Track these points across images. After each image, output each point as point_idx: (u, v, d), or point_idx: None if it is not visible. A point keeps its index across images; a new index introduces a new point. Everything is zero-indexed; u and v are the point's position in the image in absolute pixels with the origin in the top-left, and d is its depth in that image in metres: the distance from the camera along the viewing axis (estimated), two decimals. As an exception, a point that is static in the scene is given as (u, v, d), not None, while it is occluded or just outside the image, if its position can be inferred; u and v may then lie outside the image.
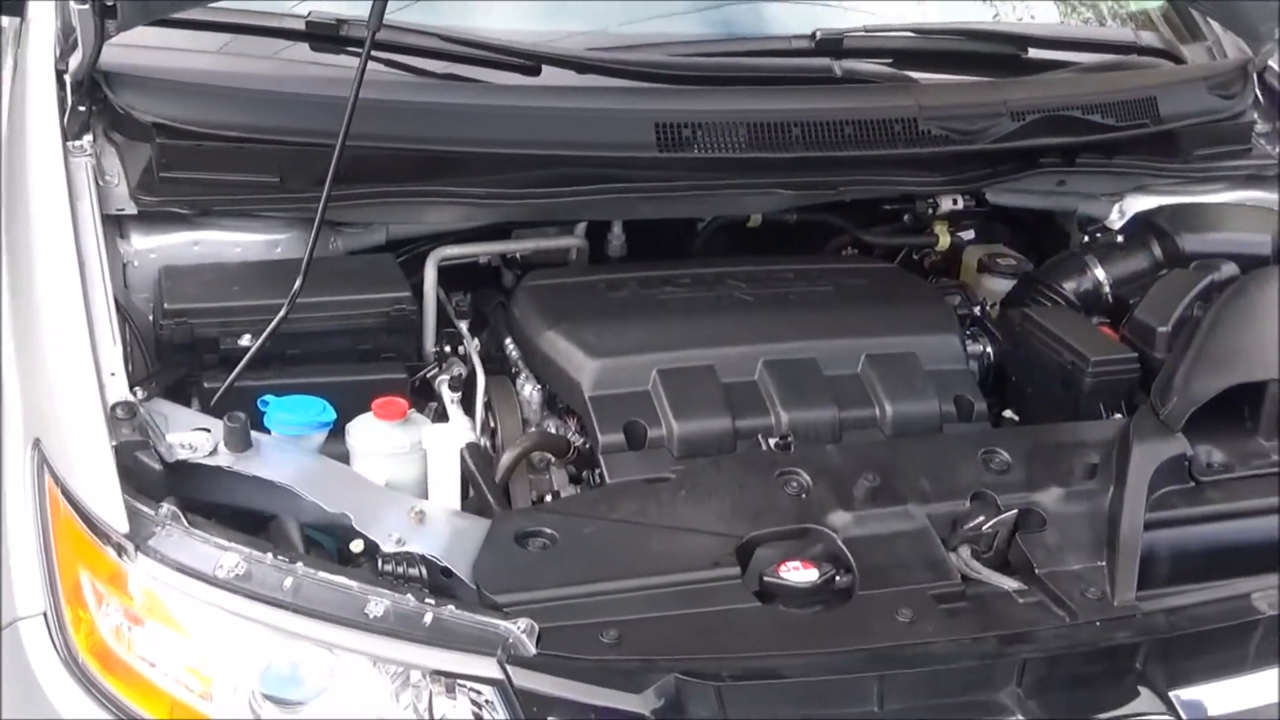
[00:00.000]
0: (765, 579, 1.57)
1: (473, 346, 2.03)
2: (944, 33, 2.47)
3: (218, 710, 1.49)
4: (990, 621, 1.57)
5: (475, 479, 1.76)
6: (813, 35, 2.33)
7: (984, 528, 1.67)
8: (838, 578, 1.59)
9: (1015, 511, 1.68)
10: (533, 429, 1.96)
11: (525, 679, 1.43)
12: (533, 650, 1.44)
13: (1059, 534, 1.68)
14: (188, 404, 1.79)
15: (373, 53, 1.86)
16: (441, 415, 1.92)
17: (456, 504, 1.72)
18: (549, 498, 1.87)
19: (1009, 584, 1.62)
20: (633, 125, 2.10)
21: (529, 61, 2.19)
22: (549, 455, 1.89)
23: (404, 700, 1.47)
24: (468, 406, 1.94)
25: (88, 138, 2.02)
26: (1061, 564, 1.64)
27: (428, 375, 1.97)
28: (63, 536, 1.56)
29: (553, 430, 1.95)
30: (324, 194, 1.80)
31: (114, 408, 1.60)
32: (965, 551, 1.66)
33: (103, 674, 1.51)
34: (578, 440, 1.91)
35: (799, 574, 1.58)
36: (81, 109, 2.04)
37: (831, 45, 2.32)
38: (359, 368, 1.88)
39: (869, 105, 2.21)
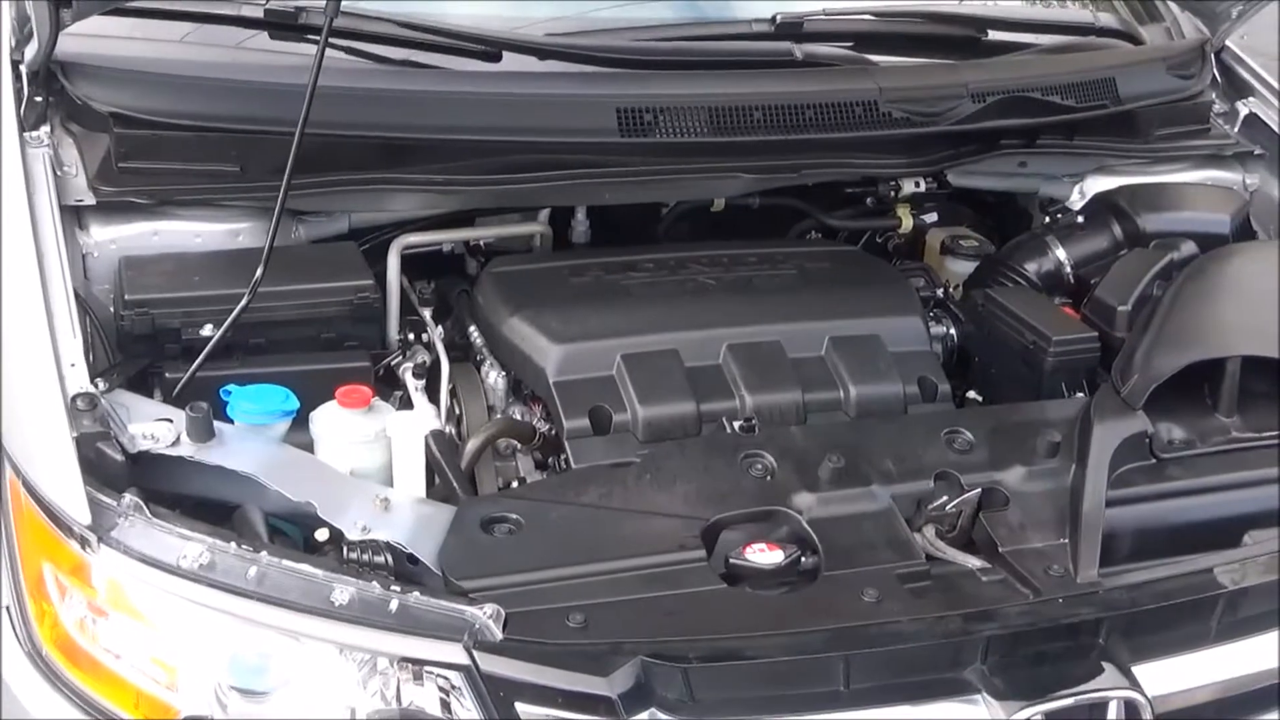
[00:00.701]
0: (731, 561, 1.58)
1: (436, 334, 2.03)
2: (904, 16, 2.47)
3: (183, 701, 1.48)
4: (955, 600, 1.58)
5: (440, 466, 1.75)
6: (773, 19, 2.32)
7: (948, 507, 1.69)
8: (803, 559, 1.60)
9: (979, 491, 1.70)
10: (498, 415, 1.96)
11: (492, 664, 1.43)
12: (499, 635, 1.44)
13: (1022, 512, 1.69)
14: (150, 395, 1.78)
15: (331, 40, 1.85)
16: (406, 403, 1.91)
17: (421, 491, 1.72)
18: (515, 484, 1.86)
19: (973, 563, 1.63)
20: (594, 110, 2.10)
21: (489, 47, 2.17)
22: (514, 442, 1.89)
23: (371, 687, 1.47)
24: (432, 394, 1.93)
25: (45, 128, 2.00)
26: (1025, 542, 1.66)
27: (392, 363, 1.96)
28: (24, 529, 1.56)
29: (518, 416, 1.95)
30: (284, 182, 1.79)
31: (74, 399, 1.59)
32: (930, 531, 1.68)
33: (67, 666, 1.50)
34: (543, 426, 1.91)
35: (764, 556, 1.58)
36: (38, 99, 2.02)
37: (791, 29, 2.32)
38: (322, 356, 1.87)
39: (830, 88, 2.21)
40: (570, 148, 2.10)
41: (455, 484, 1.73)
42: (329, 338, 1.90)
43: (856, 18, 2.43)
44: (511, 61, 2.18)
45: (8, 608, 1.55)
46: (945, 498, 1.69)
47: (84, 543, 1.49)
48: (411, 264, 2.15)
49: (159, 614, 1.49)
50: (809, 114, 2.16)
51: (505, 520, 1.60)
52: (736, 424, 1.82)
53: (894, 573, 1.59)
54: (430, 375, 1.96)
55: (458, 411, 1.96)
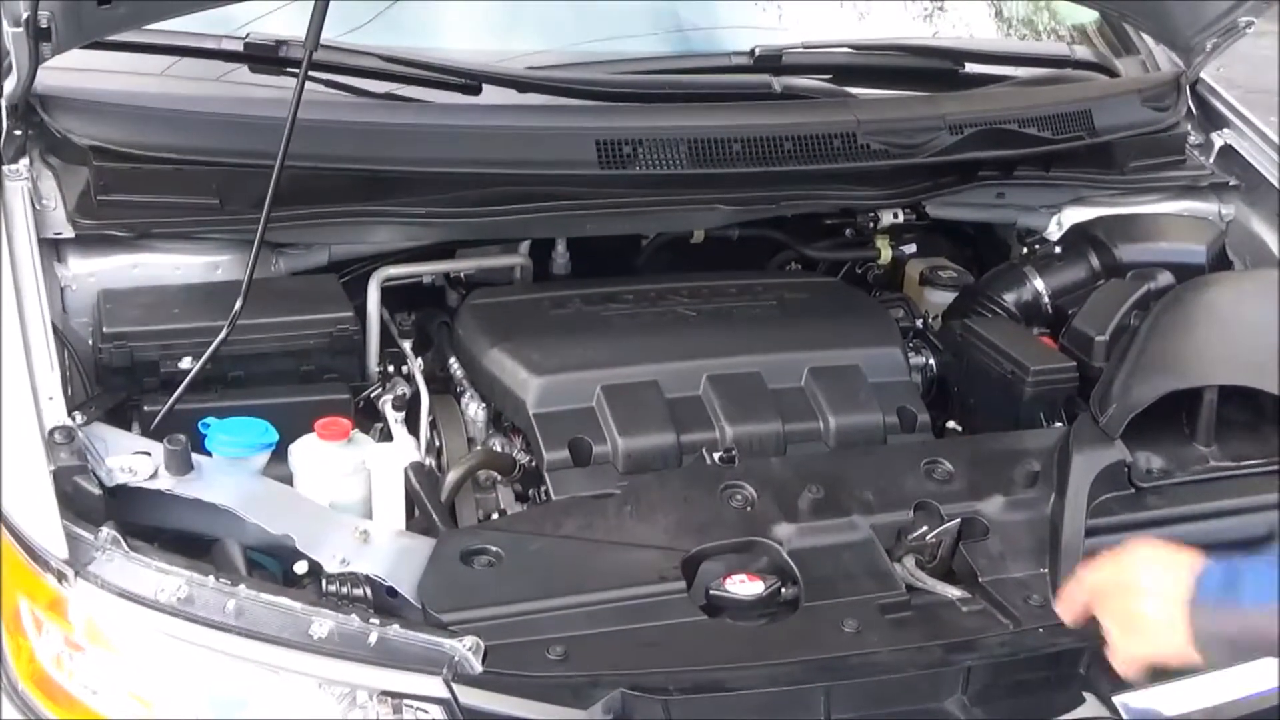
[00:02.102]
0: (711, 592, 1.58)
1: (416, 366, 2.03)
2: (882, 48, 2.49)
3: (161, 736, 1.47)
4: (935, 630, 1.58)
5: (420, 498, 1.75)
6: (752, 51, 2.34)
7: (928, 537, 1.69)
8: (783, 590, 1.60)
9: (958, 520, 1.70)
10: (478, 447, 1.95)
11: (471, 697, 1.42)
12: (479, 668, 1.43)
13: (1001, 542, 1.70)
14: (128, 428, 1.77)
15: (311, 73, 1.85)
16: (386, 435, 1.91)
17: (401, 524, 1.71)
18: (495, 516, 1.86)
19: (953, 593, 1.63)
20: (573, 143, 2.11)
21: (469, 80, 2.19)
22: (495, 473, 1.89)
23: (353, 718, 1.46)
24: (412, 426, 1.93)
25: (24, 161, 2.00)
26: (1005, 572, 1.66)
27: (371, 395, 1.96)
28: (1, 563, 1.54)
29: (498, 448, 1.95)
30: (263, 215, 1.79)
31: (52, 432, 1.58)
32: (910, 561, 1.68)
33: (44, 703, 1.49)
34: (523, 458, 1.91)
35: (745, 587, 1.58)
36: (17, 133, 2.02)
37: (770, 61, 2.34)
38: (302, 389, 1.87)
39: (808, 120, 2.22)
40: (550, 179, 2.10)
41: (435, 516, 1.73)
42: (308, 370, 1.90)
43: (835, 50, 2.45)
44: (492, 94, 2.19)
45: (-18, 643, 1.54)
46: (925, 528, 1.69)
47: (61, 577, 1.48)
48: (391, 296, 2.15)
49: (137, 649, 1.48)
50: (788, 146, 2.17)
51: (485, 553, 1.60)
52: (716, 455, 1.82)
53: (874, 603, 1.59)
54: (410, 407, 1.96)
55: (438, 443, 1.96)
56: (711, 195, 2.18)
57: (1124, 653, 1.47)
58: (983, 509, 1.73)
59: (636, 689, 1.44)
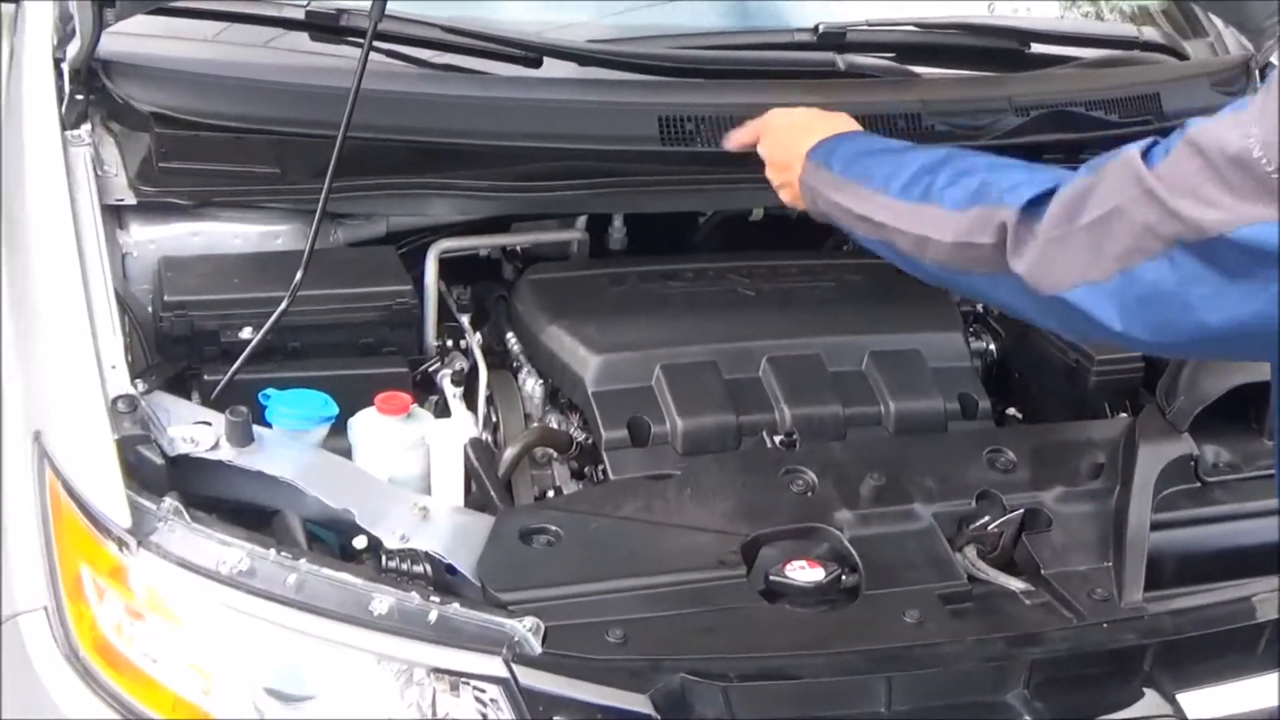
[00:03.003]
0: (771, 578, 1.57)
1: (474, 341, 2.02)
2: (947, 27, 2.45)
3: (219, 707, 1.47)
4: (997, 622, 1.56)
5: (478, 474, 1.74)
6: (815, 28, 2.31)
7: (990, 527, 1.67)
8: (844, 577, 1.58)
9: (1021, 511, 1.68)
10: (535, 424, 1.95)
11: (530, 678, 1.42)
12: (538, 649, 1.43)
13: (1065, 534, 1.67)
14: (188, 397, 1.77)
15: (373, 43, 1.84)
16: (442, 409, 1.91)
17: (460, 500, 1.71)
18: (551, 493, 1.85)
19: (1015, 584, 1.61)
20: (636, 118, 2.09)
21: (530, 53, 2.16)
22: (551, 450, 1.88)
23: (408, 698, 1.46)
24: (469, 401, 1.93)
25: (86, 127, 2.00)
26: (1067, 564, 1.64)
27: (429, 369, 1.96)
28: (63, 530, 1.55)
29: (555, 425, 1.94)
30: (325, 186, 1.78)
31: (115, 401, 1.58)
32: (971, 551, 1.66)
33: (105, 670, 1.49)
34: (580, 435, 1.90)
35: (805, 573, 1.57)
36: (79, 98, 2.02)
37: (834, 39, 2.30)
38: (360, 361, 1.87)
39: (873, 100, 2.19)
40: (611, 155, 2.08)
41: (493, 493, 1.72)
42: (366, 343, 1.90)
43: (900, 28, 2.41)
44: (552, 67, 2.17)
45: (45, 608, 1.54)
46: (987, 517, 1.67)
47: (123, 546, 1.48)
48: (445, 268, 2.14)
49: (197, 619, 1.48)
50: None
51: (544, 532, 1.59)
52: (777, 438, 1.80)
53: (935, 593, 1.58)
54: (467, 382, 1.95)
55: (495, 419, 1.95)
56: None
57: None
58: (1046, 500, 1.71)
59: (696, 674, 1.43)
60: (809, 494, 1.69)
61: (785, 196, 1.79)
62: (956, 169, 1.47)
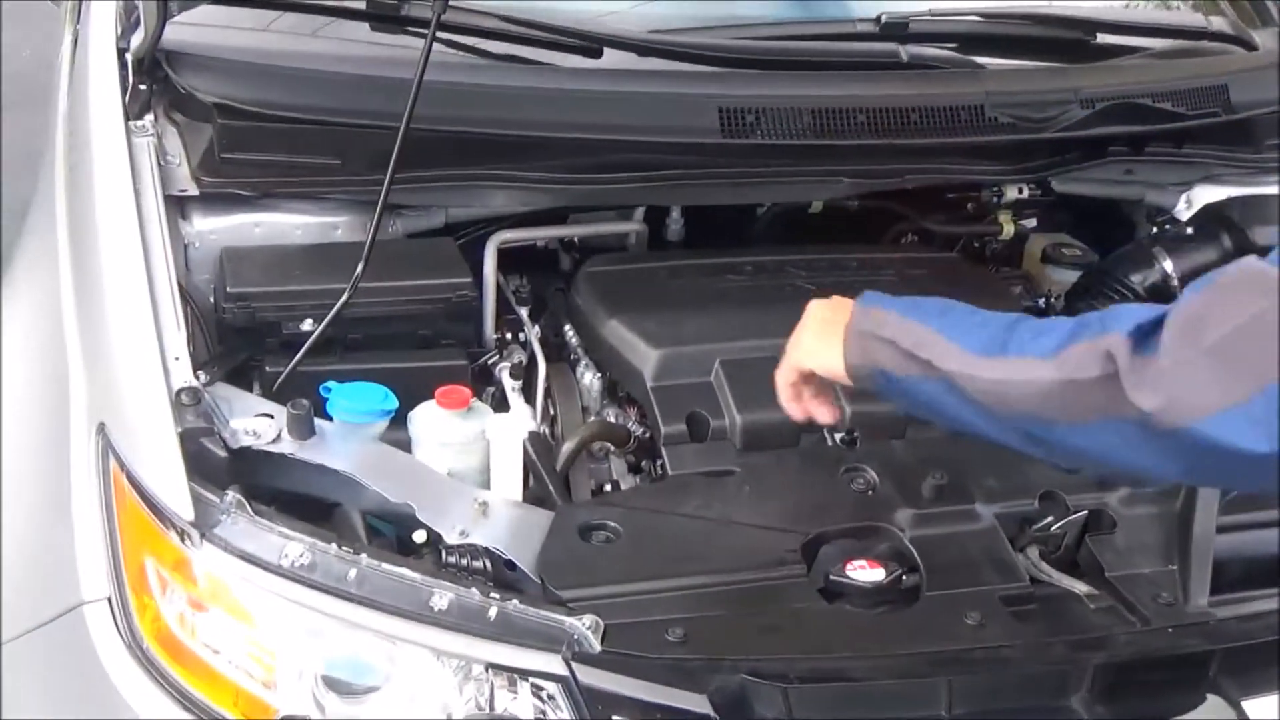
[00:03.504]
0: (832, 577, 1.55)
1: (534, 334, 2.02)
2: (1011, 17, 2.42)
3: (280, 699, 1.48)
4: (1060, 626, 1.54)
5: (536, 468, 1.74)
6: (878, 19, 2.29)
7: (1053, 528, 1.65)
8: (904, 577, 1.57)
9: (1085, 512, 1.66)
10: (592, 417, 1.94)
11: (590, 676, 1.41)
12: (598, 647, 1.43)
13: (1129, 536, 1.65)
14: (249, 388, 1.78)
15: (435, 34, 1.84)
16: (499, 401, 1.91)
17: (519, 495, 1.71)
18: (608, 487, 1.85)
19: (1079, 587, 1.59)
20: (696, 110, 2.08)
21: (590, 43, 2.16)
22: (609, 444, 1.88)
23: (466, 693, 1.46)
24: (527, 394, 1.92)
25: (149, 117, 2.01)
26: (1132, 567, 1.62)
27: (488, 362, 1.96)
28: (127, 522, 1.56)
29: (612, 419, 1.94)
30: (387, 177, 1.79)
31: (179, 393, 1.59)
32: (1034, 553, 1.64)
33: (168, 661, 1.50)
34: (638, 430, 1.90)
35: (866, 573, 1.56)
36: (142, 88, 2.03)
37: (897, 29, 2.28)
38: (420, 354, 1.87)
39: (935, 91, 2.17)
40: (671, 147, 2.07)
41: (551, 487, 1.72)
42: (425, 335, 1.90)
43: (963, 18, 2.38)
44: (612, 58, 2.16)
45: (109, 599, 1.55)
46: (1050, 518, 1.65)
47: (186, 538, 1.49)
48: (502, 258, 2.14)
49: (258, 612, 1.48)
50: (914, 118, 2.12)
51: (603, 528, 1.59)
52: (838, 436, 1.79)
53: (997, 595, 1.56)
54: (525, 374, 1.95)
55: (552, 412, 1.95)
56: (834, 167, 2.14)
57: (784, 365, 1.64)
58: (1110, 501, 1.68)
59: (756, 675, 1.42)
60: (869, 492, 1.68)
61: (827, 364, 1.58)
62: (1036, 326, 1.37)
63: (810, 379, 1.64)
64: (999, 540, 1.63)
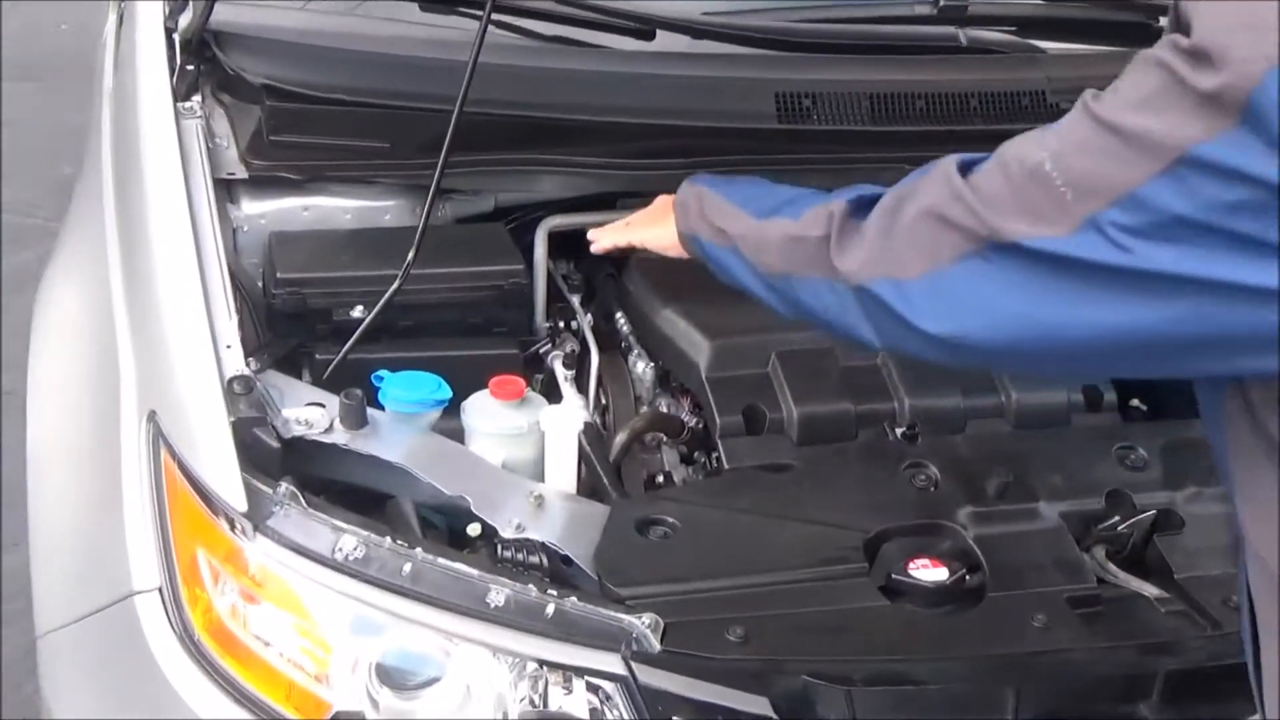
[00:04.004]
0: (894, 577, 1.52)
1: (586, 322, 1.98)
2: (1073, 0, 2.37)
3: (333, 694, 1.46)
4: (1128, 628, 1.51)
5: (589, 459, 1.71)
6: (936, 1, 2.24)
7: (1120, 528, 1.61)
8: (968, 577, 1.53)
9: (1154, 512, 1.62)
10: (645, 407, 1.91)
11: (650, 676, 1.39)
12: (657, 647, 1.40)
13: (1197, 537, 1.61)
14: (298, 375, 1.76)
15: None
16: (550, 389, 1.88)
17: (573, 488, 1.68)
18: (660, 478, 1.82)
19: (1148, 589, 1.55)
20: (752, 94, 2.04)
21: (643, 26, 2.12)
22: (661, 435, 1.85)
23: (520, 691, 1.44)
24: (579, 383, 1.89)
25: (196, 98, 1.99)
26: (1200, 569, 1.57)
27: (539, 351, 1.93)
28: (179, 513, 1.54)
29: (665, 408, 1.90)
30: (440, 161, 1.76)
31: (231, 381, 1.57)
32: (1100, 553, 1.60)
33: (220, 654, 1.48)
34: (691, 420, 1.87)
35: (929, 572, 1.52)
36: (189, 69, 2.00)
37: (955, 12, 2.23)
38: (472, 342, 1.85)
39: (996, 77, 2.13)
40: (726, 132, 2.04)
41: (605, 479, 1.69)
42: (476, 322, 1.88)
43: (1024, 2, 2.33)
44: (665, 41, 2.13)
45: (160, 589, 1.53)
46: (1117, 517, 1.61)
47: (239, 529, 1.47)
48: (550, 244, 2.10)
49: (311, 605, 1.46)
50: (973, 104, 2.08)
51: (661, 523, 1.56)
52: (899, 430, 1.75)
53: (1063, 596, 1.52)
54: (577, 363, 1.92)
55: (604, 401, 1.92)
56: (891, 153, 2.09)
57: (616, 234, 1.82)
58: (1178, 500, 1.64)
59: (818, 676, 1.39)
60: (932, 489, 1.64)
61: (665, 242, 1.73)
62: (807, 196, 1.46)
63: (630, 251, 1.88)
64: (1065, 540, 1.59)
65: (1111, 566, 1.58)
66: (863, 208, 1.30)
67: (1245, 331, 1.02)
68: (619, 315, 2.01)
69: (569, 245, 2.16)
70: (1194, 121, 0.97)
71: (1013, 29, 2.28)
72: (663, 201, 1.77)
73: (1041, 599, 1.51)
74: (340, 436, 1.59)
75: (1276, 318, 1.00)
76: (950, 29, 2.20)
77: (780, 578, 1.51)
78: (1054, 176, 1.07)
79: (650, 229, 1.78)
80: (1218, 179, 0.97)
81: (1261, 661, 1.22)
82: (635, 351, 1.96)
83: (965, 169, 1.19)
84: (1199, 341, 1.06)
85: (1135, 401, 2.02)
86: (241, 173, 1.94)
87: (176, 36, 2.02)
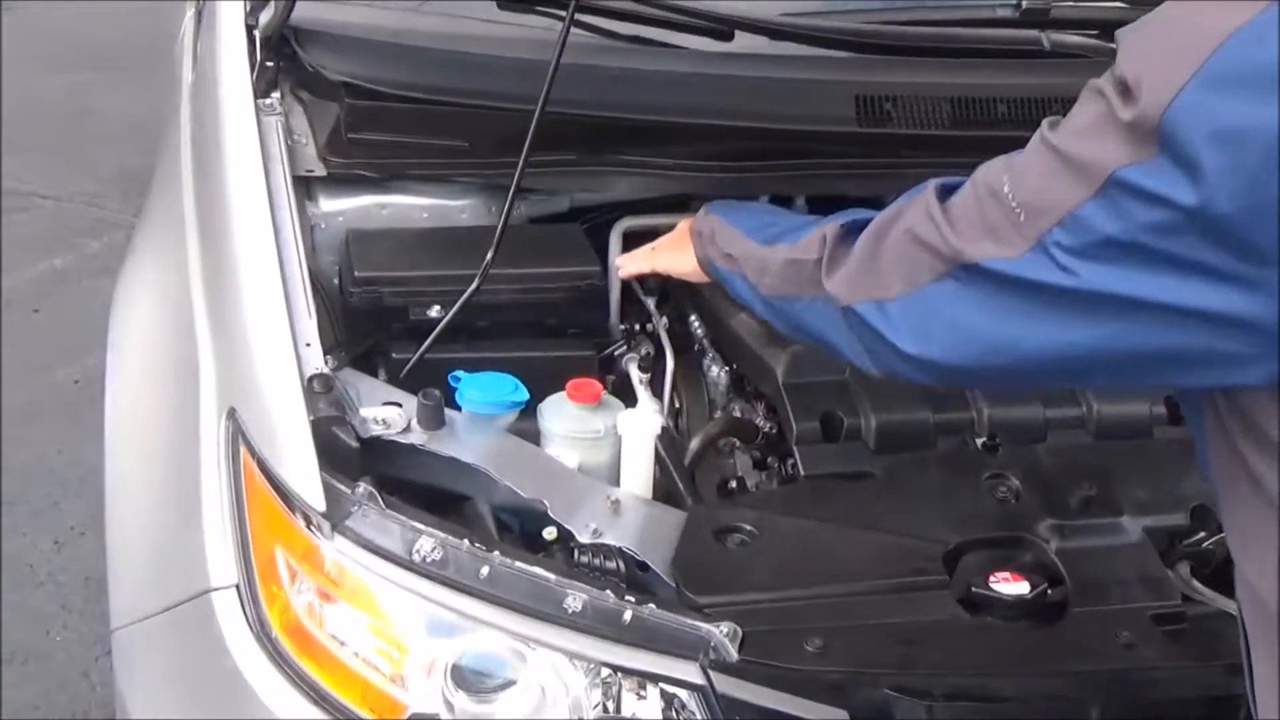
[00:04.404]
0: (974, 589, 1.50)
1: (662, 325, 1.97)
2: (1159, 4, 2.32)
3: (408, 695, 1.46)
4: (1214, 648, 1.47)
5: (664, 463, 1.70)
6: (1018, 4, 2.20)
7: (1205, 544, 1.58)
8: (1049, 592, 1.51)
9: (1241, 528, 1.58)
10: (719, 411, 1.90)
11: (727, 685, 1.38)
12: (735, 656, 1.39)
13: None
14: (374, 373, 1.76)
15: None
16: (622, 391, 1.87)
17: (649, 492, 1.67)
18: (734, 483, 1.81)
19: (1234, 607, 1.52)
20: (831, 97, 2.01)
21: (722, 26, 2.10)
22: (735, 439, 1.83)
23: (594, 697, 1.43)
24: (654, 386, 1.88)
25: (275, 95, 1.99)
26: None
27: (615, 353, 1.92)
28: (257, 509, 1.54)
29: (740, 413, 1.89)
30: (521, 161, 1.75)
31: (311, 380, 1.57)
32: (1184, 569, 1.57)
33: (296, 652, 1.48)
34: (765, 425, 1.85)
35: (1011, 586, 1.50)
36: (269, 65, 2.01)
37: (1038, 15, 2.19)
38: (547, 343, 1.84)
39: (1079, 82, 2.07)
40: (804, 135, 2.02)
41: (680, 484, 1.68)
42: (552, 324, 1.87)
43: (1108, 5, 2.29)
44: (744, 42, 2.11)
45: (237, 586, 1.53)
46: (1202, 533, 1.58)
47: (316, 528, 1.47)
48: (624, 245, 2.09)
49: (388, 606, 1.46)
50: (1056, 108, 2.04)
51: (739, 530, 1.54)
52: (979, 440, 1.73)
53: (1148, 613, 1.50)
54: (651, 366, 1.91)
55: (678, 405, 1.91)
56: (972, 158, 2.05)
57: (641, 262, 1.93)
58: None
59: (898, 690, 1.37)
60: (1013, 501, 1.62)
61: (683, 267, 1.85)
62: (809, 221, 1.55)
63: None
64: (1149, 555, 1.56)
65: (1197, 583, 1.55)
66: (853, 231, 1.36)
67: (1189, 349, 1.05)
68: (693, 318, 2.00)
69: (636, 245, 2.14)
70: (1121, 147, 1.02)
71: (1096, 33, 2.24)
72: (683, 229, 1.85)
73: (1125, 616, 1.49)
74: (417, 437, 1.59)
75: (1209, 337, 1.03)
76: (1033, 32, 2.16)
77: (859, 588, 1.49)
78: (1010, 198, 1.13)
79: (672, 255, 1.87)
80: (1141, 201, 1.01)
81: (1255, 675, 1.21)
82: (710, 355, 1.95)
83: (945, 193, 1.24)
84: (1148, 358, 1.09)
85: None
86: (319, 170, 1.95)
87: (257, 33, 2.03)
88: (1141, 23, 1.06)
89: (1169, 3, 1.05)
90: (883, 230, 1.30)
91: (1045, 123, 1.15)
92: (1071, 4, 2.25)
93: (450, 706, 1.43)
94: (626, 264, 1.96)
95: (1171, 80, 0.97)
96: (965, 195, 1.21)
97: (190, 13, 2.56)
